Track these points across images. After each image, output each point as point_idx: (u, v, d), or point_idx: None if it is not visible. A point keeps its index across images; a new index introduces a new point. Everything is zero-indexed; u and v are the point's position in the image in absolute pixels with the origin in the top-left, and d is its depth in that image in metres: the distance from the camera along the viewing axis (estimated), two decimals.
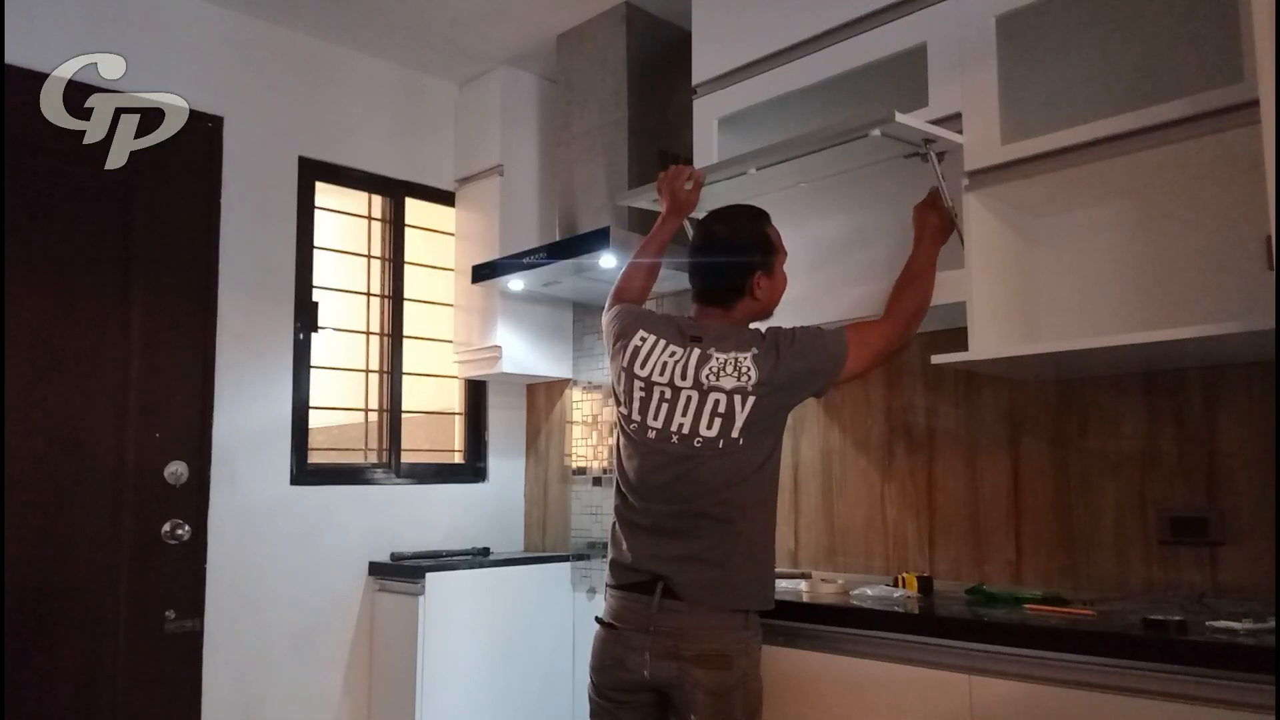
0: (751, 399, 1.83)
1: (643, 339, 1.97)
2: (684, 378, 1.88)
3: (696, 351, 1.90)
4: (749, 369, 1.84)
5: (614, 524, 1.96)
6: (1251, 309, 1.71)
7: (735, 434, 1.83)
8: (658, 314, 2.06)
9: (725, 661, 1.77)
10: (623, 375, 1.98)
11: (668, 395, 1.89)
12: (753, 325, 1.99)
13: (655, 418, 1.89)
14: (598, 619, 1.93)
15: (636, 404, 1.93)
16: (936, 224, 2.06)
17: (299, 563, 3.09)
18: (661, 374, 1.91)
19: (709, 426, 1.84)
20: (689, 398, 1.86)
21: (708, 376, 1.86)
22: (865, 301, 2.21)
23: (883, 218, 2.53)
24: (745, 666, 1.80)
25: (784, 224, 2.67)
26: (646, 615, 1.81)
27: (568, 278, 3.06)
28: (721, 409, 1.84)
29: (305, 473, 3.16)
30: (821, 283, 2.61)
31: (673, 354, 1.92)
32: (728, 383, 1.85)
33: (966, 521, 2.37)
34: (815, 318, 2.32)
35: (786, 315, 2.37)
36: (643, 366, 1.94)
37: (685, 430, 1.85)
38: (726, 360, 1.87)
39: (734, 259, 1.96)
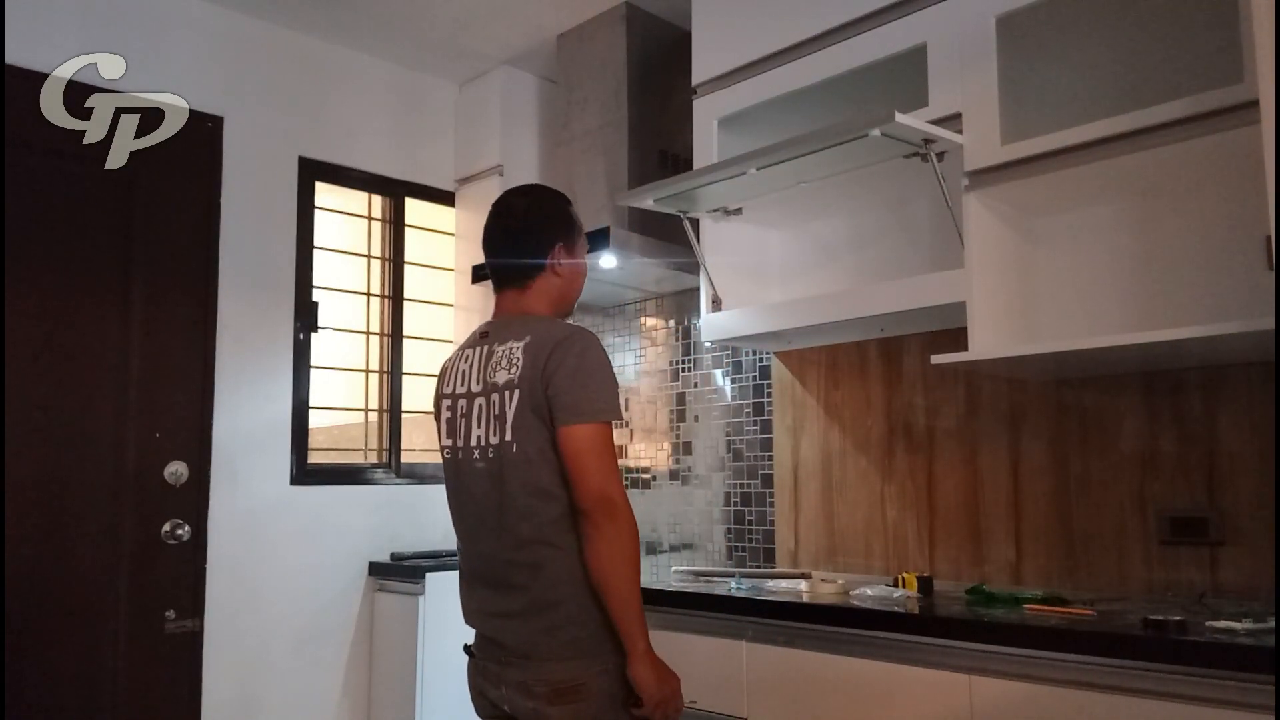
0: (517, 393, 1.59)
1: (452, 360, 1.78)
2: (477, 382, 1.67)
3: (485, 349, 1.68)
4: (518, 358, 1.61)
5: None
6: (1251, 309, 1.71)
7: (509, 437, 1.60)
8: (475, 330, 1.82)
9: (579, 693, 1.55)
10: (438, 404, 1.78)
11: (463, 408, 1.68)
12: (556, 320, 1.73)
13: (453, 434, 1.70)
14: (465, 646, 1.76)
15: (444, 426, 1.73)
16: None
17: (299, 563, 3.09)
18: (462, 384, 1.70)
19: (494, 433, 1.62)
20: (480, 405, 1.65)
21: (490, 374, 1.64)
22: (864, 301, 2.22)
23: (883, 218, 2.54)
24: (609, 688, 1.55)
25: (784, 225, 2.67)
26: (497, 645, 1.64)
27: None
28: (498, 409, 1.62)
29: (305, 473, 3.16)
30: (822, 284, 2.61)
31: (467, 358, 1.71)
32: (501, 376, 1.62)
33: (966, 521, 2.37)
34: (815, 318, 2.33)
35: (789, 315, 2.38)
36: (448, 384, 1.75)
37: (482, 442, 1.63)
38: (504, 351, 1.64)
39: (534, 227, 1.74)
